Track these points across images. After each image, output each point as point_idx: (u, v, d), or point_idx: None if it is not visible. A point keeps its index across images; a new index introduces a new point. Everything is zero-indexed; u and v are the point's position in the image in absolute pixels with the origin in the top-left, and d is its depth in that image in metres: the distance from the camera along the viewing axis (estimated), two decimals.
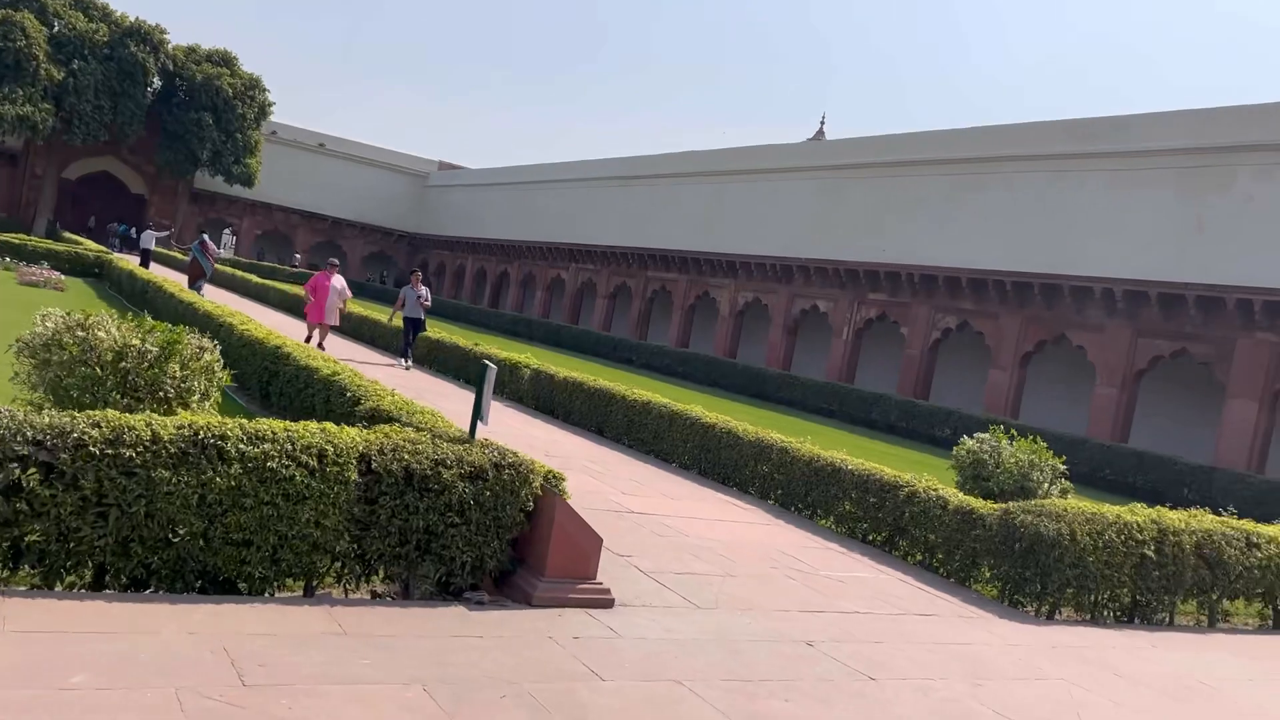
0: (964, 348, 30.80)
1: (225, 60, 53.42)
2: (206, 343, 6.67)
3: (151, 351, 6.21)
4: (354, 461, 5.09)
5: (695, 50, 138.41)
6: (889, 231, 31.29)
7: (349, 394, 8.48)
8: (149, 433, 4.61)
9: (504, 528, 5.52)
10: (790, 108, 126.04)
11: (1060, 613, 7.66)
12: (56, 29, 47.89)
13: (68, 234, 43.08)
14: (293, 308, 26.23)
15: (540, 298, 51.67)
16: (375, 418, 7.67)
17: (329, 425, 5.31)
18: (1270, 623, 8.95)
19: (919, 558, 8.57)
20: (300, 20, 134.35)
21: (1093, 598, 7.70)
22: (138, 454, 4.53)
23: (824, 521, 9.54)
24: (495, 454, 5.60)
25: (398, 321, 18.47)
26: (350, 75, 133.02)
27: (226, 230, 57.44)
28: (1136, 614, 8.03)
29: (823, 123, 52.07)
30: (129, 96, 49.33)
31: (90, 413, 4.65)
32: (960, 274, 28.40)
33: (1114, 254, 24.70)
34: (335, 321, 17.46)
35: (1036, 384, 28.20)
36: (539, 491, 5.62)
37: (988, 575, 7.93)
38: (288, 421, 5.22)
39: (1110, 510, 7.97)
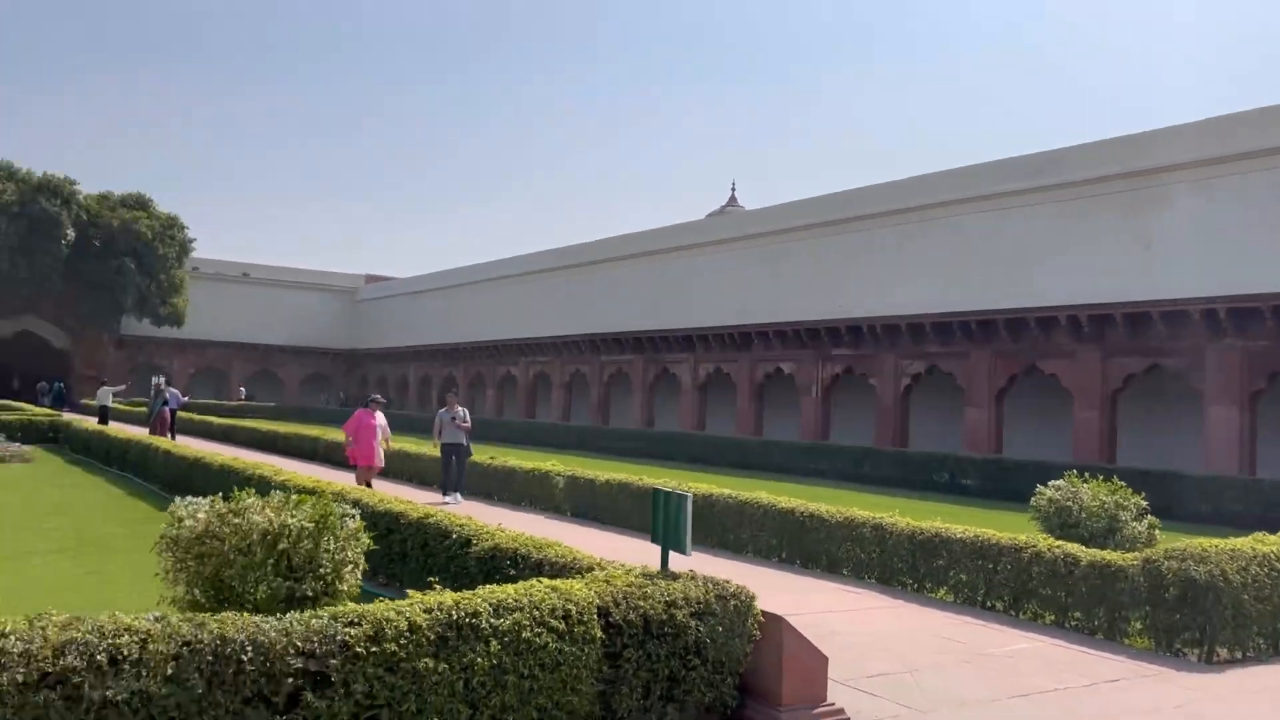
0: (934, 391, 31.25)
1: (140, 203, 52.56)
2: (349, 509, 6.36)
3: (307, 528, 5.89)
4: (595, 617, 4.84)
5: (599, 140, 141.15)
6: (842, 287, 31.81)
7: (454, 535, 8.15)
8: (404, 622, 4.31)
9: (735, 660, 5.29)
10: (695, 180, 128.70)
11: (1218, 654, 7.62)
12: None
13: None
14: (270, 446, 25.47)
15: (491, 396, 51.16)
16: (497, 559, 7.38)
17: (552, 581, 5.05)
18: None
19: (1051, 618, 8.49)
20: (210, 150, 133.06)
21: (1245, 634, 7.68)
22: (400, 646, 4.24)
23: (936, 593, 9.42)
24: (714, 586, 5.39)
25: (436, 451, 16.93)
26: (266, 200, 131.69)
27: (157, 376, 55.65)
28: None
29: (734, 189, 53.04)
30: (44, 252, 48.10)
31: (335, 609, 4.35)
32: (923, 319, 28.93)
33: (1071, 281, 25.44)
34: (381, 464, 15.98)
35: (1014, 417, 28.66)
36: (761, 618, 5.42)
37: (1139, 628, 7.88)
38: (517, 584, 4.95)
39: (1242, 543, 8.02)
